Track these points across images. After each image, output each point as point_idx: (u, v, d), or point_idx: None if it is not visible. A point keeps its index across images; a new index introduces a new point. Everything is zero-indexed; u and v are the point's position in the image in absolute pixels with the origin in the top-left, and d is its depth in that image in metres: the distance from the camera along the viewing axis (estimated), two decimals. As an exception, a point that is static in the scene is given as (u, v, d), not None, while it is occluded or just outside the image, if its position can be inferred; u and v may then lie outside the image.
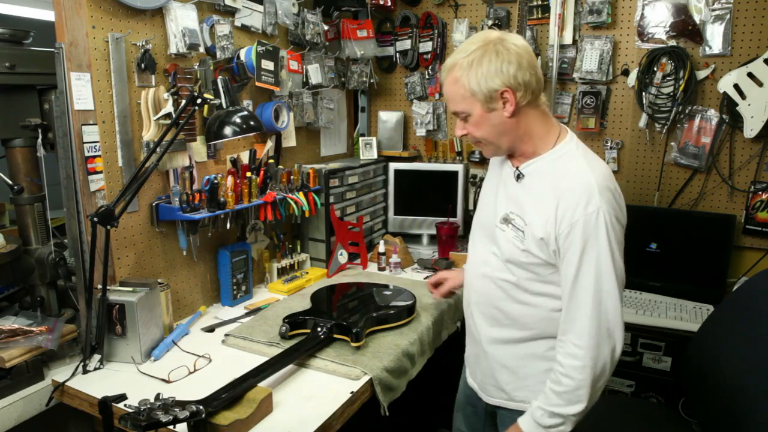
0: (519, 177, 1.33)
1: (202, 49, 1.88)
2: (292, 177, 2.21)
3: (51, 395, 1.50)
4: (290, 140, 2.41)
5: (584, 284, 1.21)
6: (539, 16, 2.57)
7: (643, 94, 2.37)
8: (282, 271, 2.32)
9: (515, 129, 1.28)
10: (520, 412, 1.35)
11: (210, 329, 1.85)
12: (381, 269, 2.46)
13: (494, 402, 1.48)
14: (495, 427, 1.53)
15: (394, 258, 2.43)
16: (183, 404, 1.16)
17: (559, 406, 1.24)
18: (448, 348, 1.97)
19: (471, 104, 1.27)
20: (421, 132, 2.93)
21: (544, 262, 1.28)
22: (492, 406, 1.49)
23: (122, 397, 1.23)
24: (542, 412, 1.26)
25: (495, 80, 1.22)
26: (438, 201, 2.69)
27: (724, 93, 2.22)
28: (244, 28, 2.10)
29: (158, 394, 1.18)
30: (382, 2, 2.71)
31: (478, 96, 1.24)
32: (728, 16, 2.23)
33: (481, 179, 2.69)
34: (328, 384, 1.51)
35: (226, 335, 1.77)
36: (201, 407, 1.18)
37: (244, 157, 2.09)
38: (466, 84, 1.24)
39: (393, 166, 2.76)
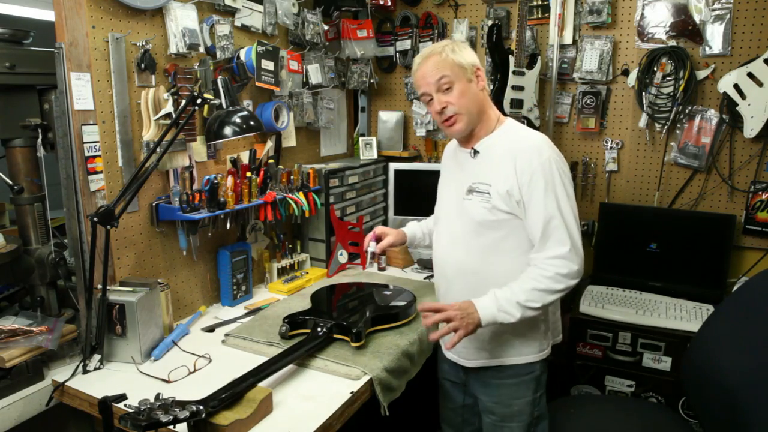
0: (475, 153, 1.57)
1: (202, 49, 1.88)
2: (292, 177, 2.21)
3: (51, 395, 1.50)
4: (290, 140, 2.41)
5: (551, 215, 1.44)
6: (539, 16, 2.57)
7: (643, 94, 2.37)
8: (282, 271, 2.32)
9: (482, 103, 1.55)
10: (500, 368, 1.57)
11: (210, 329, 1.86)
12: (381, 269, 2.47)
13: (476, 364, 1.62)
14: (471, 395, 1.72)
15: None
16: (183, 404, 1.16)
17: (535, 301, 1.43)
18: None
19: (457, 74, 1.49)
20: (421, 132, 2.93)
21: (508, 214, 1.49)
22: (473, 369, 1.64)
23: (122, 397, 1.23)
24: (510, 302, 1.42)
25: (474, 59, 1.52)
26: (438, 201, 2.68)
27: (724, 93, 2.21)
28: (244, 28, 2.10)
29: (158, 394, 1.18)
30: (382, 2, 2.71)
31: (466, 68, 1.50)
32: (728, 16, 2.23)
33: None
34: (328, 384, 1.51)
35: (226, 335, 1.78)
36: (201, 407, 1.18)
37: (244, 157, 2.09)
38: (454, 60, 1.49)
39: (393, 166, 2.76)
